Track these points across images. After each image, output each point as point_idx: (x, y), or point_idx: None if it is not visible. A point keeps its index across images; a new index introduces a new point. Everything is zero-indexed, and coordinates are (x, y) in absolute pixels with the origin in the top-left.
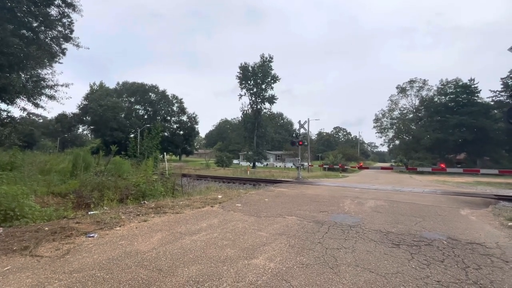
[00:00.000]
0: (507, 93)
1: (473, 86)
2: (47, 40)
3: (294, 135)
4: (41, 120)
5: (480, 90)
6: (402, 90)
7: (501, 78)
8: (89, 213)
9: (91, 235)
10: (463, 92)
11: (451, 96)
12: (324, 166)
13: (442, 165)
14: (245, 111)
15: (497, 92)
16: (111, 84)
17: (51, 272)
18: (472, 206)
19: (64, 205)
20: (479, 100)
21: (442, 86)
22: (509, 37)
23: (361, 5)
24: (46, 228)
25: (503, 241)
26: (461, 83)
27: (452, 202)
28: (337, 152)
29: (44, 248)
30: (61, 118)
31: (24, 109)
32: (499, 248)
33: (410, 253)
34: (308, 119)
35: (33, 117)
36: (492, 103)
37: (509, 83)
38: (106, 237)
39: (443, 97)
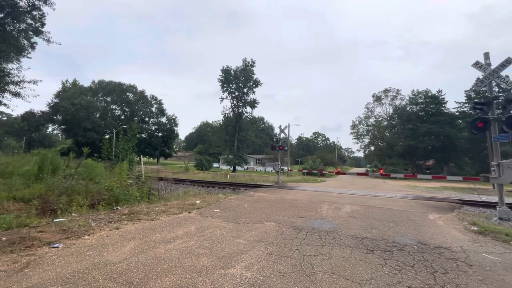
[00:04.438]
0: (470, 104)
1: (440, 97)
2: (14, 32)
3: (274, 139)
4: (5, 118)
5: (447, 101)
6: (377, 99)
7: (465, 91)
8: (54, 220)
9: (55, 245)
10: (432, 103)
11: (421, 106)
12: (303, 170)
13: (414, 175)
14: (226, 115)
15: (461, 104)
16: (85, 83)
17: None
18: (439, 211)
19: (27, 211)
20: (445, 110)
21: (414, 96)
22: (470, 54)
23: (338, 16)
24: (4, 238)
25: (467, 245)
26: (430, 94)
27: (422, 207)
28: (316, 157)
29: None
30: (28, 116)
31: None
32: (463, 252)
33: (383, 259)
34: (289, 124)
35: None
36: (457, 113)
37: (472, 96)
38: (72, 247)
39: (414, 106)
